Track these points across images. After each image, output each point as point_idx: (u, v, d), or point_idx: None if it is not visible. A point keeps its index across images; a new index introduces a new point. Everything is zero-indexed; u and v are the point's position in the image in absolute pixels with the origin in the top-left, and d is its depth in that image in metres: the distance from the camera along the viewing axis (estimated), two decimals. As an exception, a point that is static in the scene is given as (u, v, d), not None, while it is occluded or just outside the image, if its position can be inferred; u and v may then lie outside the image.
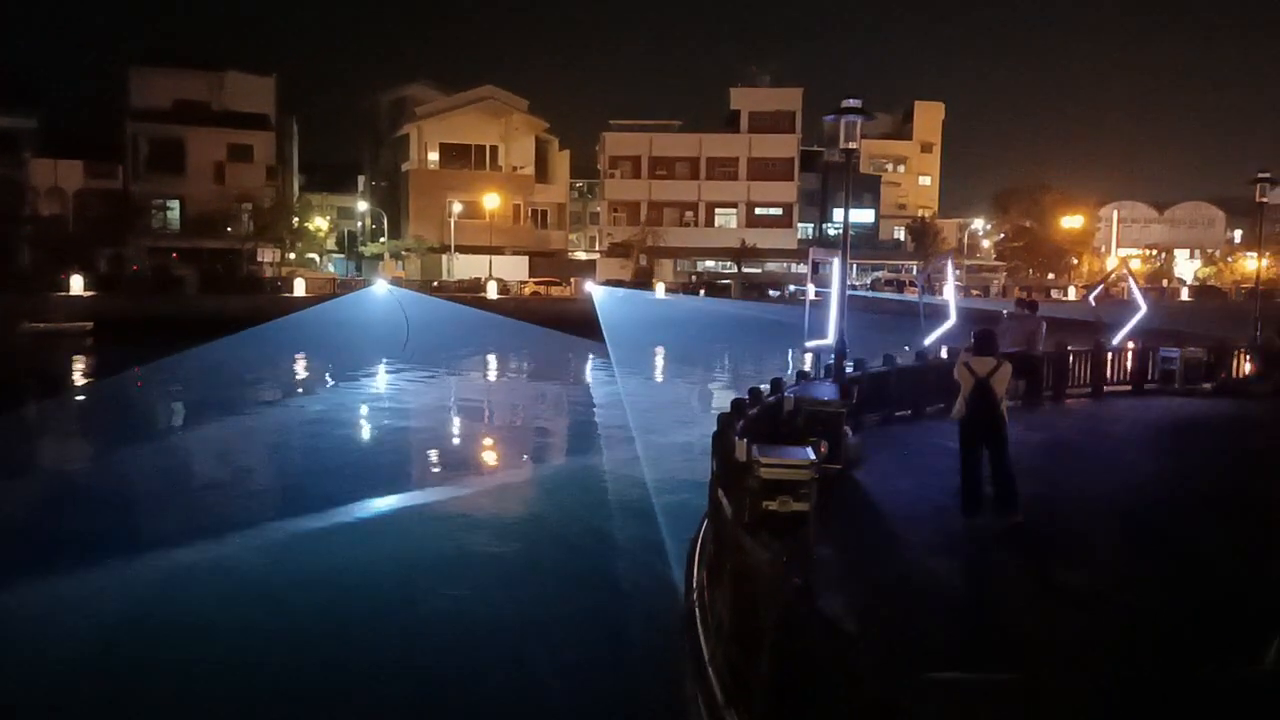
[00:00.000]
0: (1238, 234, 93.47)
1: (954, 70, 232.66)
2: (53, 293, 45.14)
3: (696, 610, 8.01)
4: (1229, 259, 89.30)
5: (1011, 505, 9.23)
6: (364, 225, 76.55)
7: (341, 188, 77.55)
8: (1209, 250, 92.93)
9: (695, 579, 8.79)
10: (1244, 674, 5.10)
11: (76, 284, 47.05)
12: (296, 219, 62.25)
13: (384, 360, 36.77)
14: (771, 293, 61.67)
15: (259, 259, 59.07)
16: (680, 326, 45.29)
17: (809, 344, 15.02)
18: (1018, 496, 9.26)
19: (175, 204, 60.21)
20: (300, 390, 32.61)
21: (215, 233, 58.62)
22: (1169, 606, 7.14)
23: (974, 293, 67.86)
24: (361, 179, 79.71)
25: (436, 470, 20.57)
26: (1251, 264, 67.08)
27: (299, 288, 52.58)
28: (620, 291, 56.68)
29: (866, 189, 75.22)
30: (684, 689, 7.40)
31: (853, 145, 13.57)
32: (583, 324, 41.60)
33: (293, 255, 61.89)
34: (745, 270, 69.68)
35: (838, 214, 14.94)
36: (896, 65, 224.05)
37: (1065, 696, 4.50)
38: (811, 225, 75.43)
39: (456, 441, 24.63)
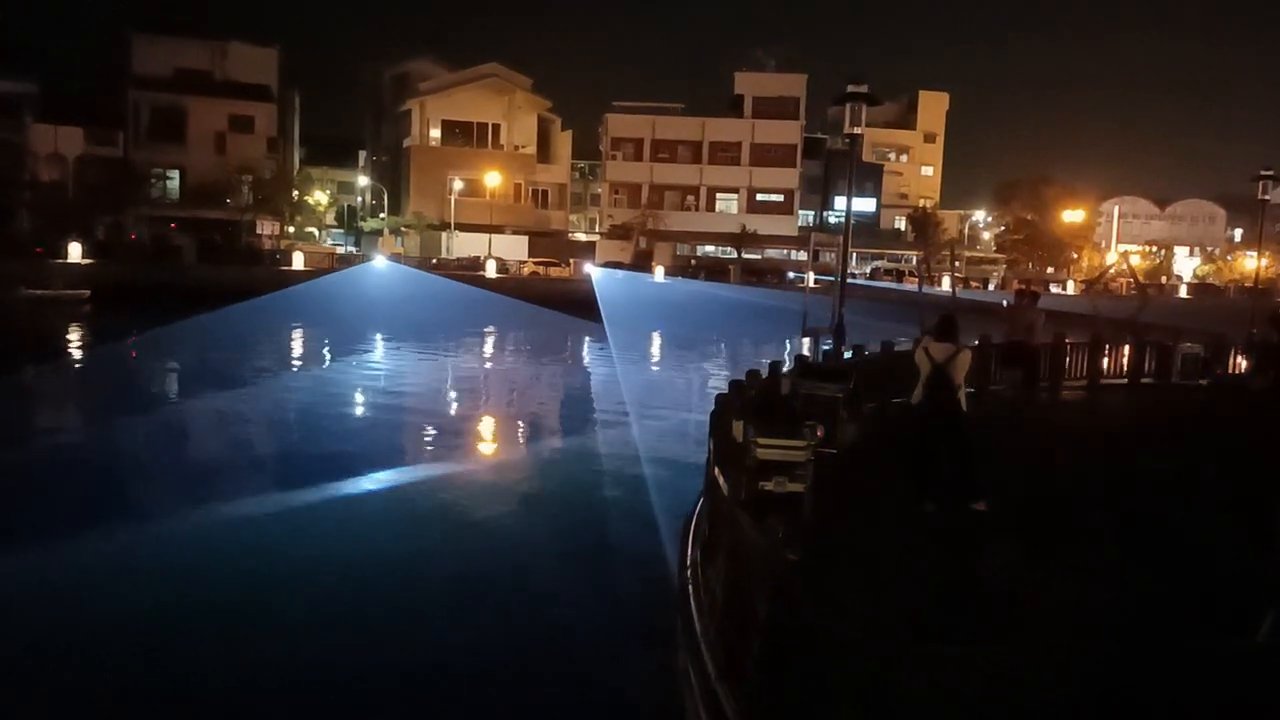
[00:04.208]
0: (1238, 232, 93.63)
1: (958, 61, 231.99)
2: (51, 259, 45.01)
3: (690, 587, 8.07)
4: (1229, 257, 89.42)
5: (974, 492, 9.05)
6: (364, 200, 76.32)
7: (342, 162, 77.19)
8: (1209, 248, 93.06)
9: (689, 556, 8.86)
10: (1233, 646, 5.13)
11: (75, 251, 46.90)
12: (296, 192, 62.09)
13: (380, 336, 36.78)
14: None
15: (258, 231, 58.95)
16: (679, 310, 45.25)
17: (807, 329, 15.03)
18: (982, 484, 9.10)
19: (175, 173, 60.03)
20: (296, 364, 32.62)
21: (215, 203, 58.45)
22: (1156, 587, 7.18)
23: (974, 285, 67.95)
24: (362, 154, 79.37)
25: (429, 445, 20.61)
26: (1251, 263, 67.10)
27: (298, 261, 52.49)
28: (619, 273, 56.62)
29: (869, 177, 74.07)
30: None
31: (857, 130, 13.55)
32: (582, 305, 41.60)
33: (292, 228, 61.76)
34: (745, 256, 69.61)
35: (839, 201, 15.14)
36: (901, 54, 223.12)
37: (1052, 668, 4.56)
38: (812, 212, 75.20)
39: (452, 415, 24.65)
